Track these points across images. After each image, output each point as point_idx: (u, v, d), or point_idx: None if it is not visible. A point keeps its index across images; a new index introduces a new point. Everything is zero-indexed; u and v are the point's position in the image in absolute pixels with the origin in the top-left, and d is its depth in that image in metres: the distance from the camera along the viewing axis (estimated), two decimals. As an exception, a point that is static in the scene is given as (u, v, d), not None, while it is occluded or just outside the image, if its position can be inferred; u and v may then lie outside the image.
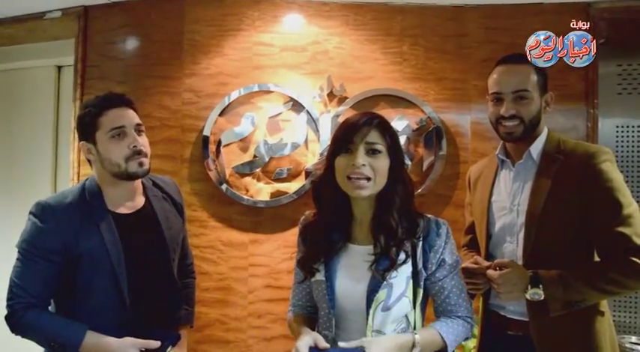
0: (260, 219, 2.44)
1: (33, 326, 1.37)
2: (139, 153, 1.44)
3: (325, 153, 1.41)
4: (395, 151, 1.27)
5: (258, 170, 2.42)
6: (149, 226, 1.51)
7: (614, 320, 1.56)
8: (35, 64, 2.84)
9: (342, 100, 2.43)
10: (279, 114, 2.43)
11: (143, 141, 1.48)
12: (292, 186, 2.41)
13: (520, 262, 1.47)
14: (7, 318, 1.38)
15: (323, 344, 1.18)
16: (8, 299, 1.38)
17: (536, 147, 1.52)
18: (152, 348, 1.36)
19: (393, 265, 1.22)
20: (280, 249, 2.42)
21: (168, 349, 1.40)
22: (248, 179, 2.43)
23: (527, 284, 1.38)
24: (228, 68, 2.46)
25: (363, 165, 1.22)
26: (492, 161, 1.67)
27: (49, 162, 2.79)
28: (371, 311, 1.21)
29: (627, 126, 2.46)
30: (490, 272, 1.45)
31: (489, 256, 1.58)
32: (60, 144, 2.80)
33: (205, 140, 2.41)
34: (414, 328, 1.25)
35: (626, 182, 1.46)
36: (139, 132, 1.47)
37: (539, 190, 1.46)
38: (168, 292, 1.53)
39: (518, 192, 1.53)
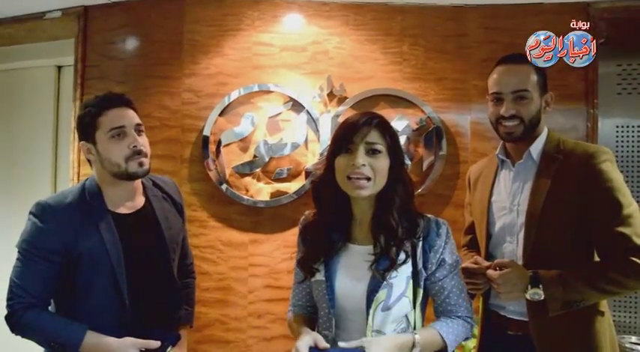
0: (260, 218, 2.44)
1: (33, 326, 1.37)
2: (138, 153, 1.44)
3: (325, 153, 1.41)
4: (395, 151, 1.27)
5: (258, 170, 2.42)
6: (149, 226, 1.51)
7: (614, 320, 1.56)
8: (35, 64, 2.84)
9: (342, 100, 2.43)
10: (279, 114, 2.43)
11: (143, 141, 1.47)
12: (292, 186, 2.41)
13: (520, 262, 1.47)
14: (7, 318, 1.38)
15: (323, 344, 1.18)
16: (8, 299, 1.38)
17: (536, 147, 1.52)
18: (152, 348, 1.36)
19: (393, 265, 1.22)
20: (280, 249, 2.42)
21: (168, 349, 1.40)
22: (248, 179, 2.43)
23: (527, 284, 1.38)
24: (228, 68, 2.46)
25: (363, 165, 1.22)
26: (492, 161, 1.67)
27: (49, 162, 2.79)
28: (371, 311, 1.21)
29: (627, 126, 2.46)
30: (490, 272, 1.45)
31: (489, 256, 1.58)
32: (60, 144, 2.80)
33: (205, 140, 2.41)
34: (414, 328, 1.25)
35: (626, 182, 1.46)
36: (138, 132, 1.47)
37: (539, 190, 1.46)
38: (168, 292, 1.53)
39: (518, 192, 1.53)
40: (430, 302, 1.34)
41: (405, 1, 2.44)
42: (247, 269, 2.43)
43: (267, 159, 2.40)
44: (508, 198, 1.55)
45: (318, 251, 1.29)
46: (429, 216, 1.31)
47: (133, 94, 1.71)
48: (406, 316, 1.25)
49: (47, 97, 2.81)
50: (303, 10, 2.47)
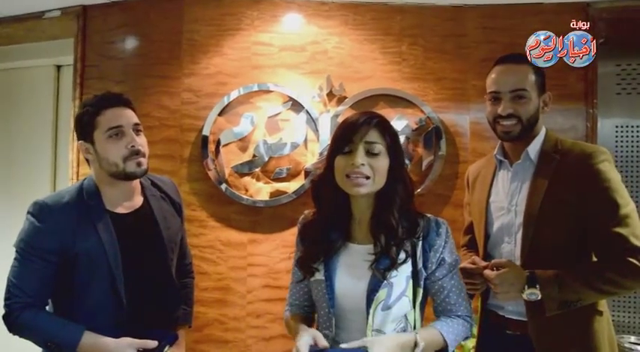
0: (259, 218, 2.44)
1: (30, 326, 1.37)
2: (136, 153, 1.44)
3: (325, 153, 1.41)
4: (395, 151, 1.27)
5: (257, 170, 2.42)
6: (147, 226, 1.51)
7: (613, 320, 1.56)
8: (34, 64, 2.84)
9: (341, 100, 2.43)
10: (279, 113, 2.43)
11: (141, 141, 1.47)
12: (291, 186, 2.41)
13: (518, 262, 1.47)
14: (5, 318, 1.38)
15: (322, 341, 1.18)
16: (6, 299, 1.38)
17: (533, 148, 1.52)
18: (149, 348, 1.36)
19: (394, 264, 1.22)
20: (279, 248, 2.42)
21: (166, 349, 1.40)
22: (247, 179, 2.43)
23: (524, 284, 1.38)
24: (228, 68, 2.46)
25: (362, 164, 1.22)
26: (490, 161, 1.67)
27: (48, 162, 2.79)
28: (371, 311, 1.21)
29: (626, 126, 2.46)
30: (487, 272, 1.45)
31: (488, 256, 1.58)
32: (59, 143, 2.80)
33: (204, 140, 2.41)
34: (414, 328, 1.25)
35: (626, 182, 1.46)
36: (137, 131, 1.47)
37: (536, 190, 1.46)
38: (166, 292, 1.52)
39: (516, 192, 1.53)
40: (429, 301, 1.34)
41: (404, 1, 2.44)
42: (246, 269, 2.43)
43: (266, 159, 2.40)
44: (506, 199, 1.55)
45: (318, 250, 1.29)
46: (429, 215, 1.32)
47: (132, 94, 1.71)
48: (406, 315, 1.25)
49: (46, 97, 2.81)
50: (303, 10, 2.47)
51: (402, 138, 2.32)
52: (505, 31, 2.38)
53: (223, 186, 2.40)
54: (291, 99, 2.42)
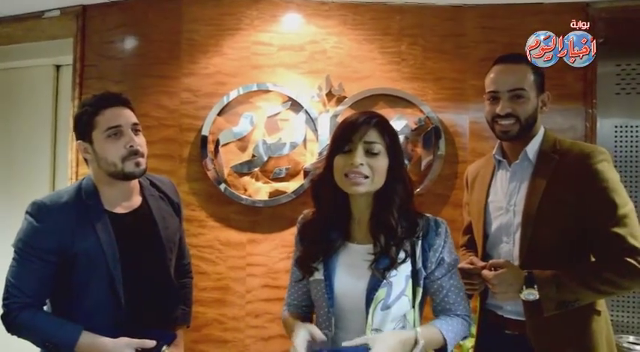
0: (258, 218, 2.44)
1: (28, 326, 1.37)
2: (135, 153, 1.43)
3: (324, 153, 1.41)
4: (394, 151, 1.27)
5: (256, 169, 2.42)
6: (146, 226, 1.51)
7: (611, 320, 1.56)
8: (33, 63, 2.84)
9: (340, 100, 2.43)
10: (278, 113, 2.43)
11: (140, 141, 1.47)
12: (291, 186, 2.41)
13: (516, 262, 1.47)
14: (3, 318, 1.38)
15: (319, 334, 1.19)
16: (4, 299, 1.38)
17: (532, 147, 1.51)
18: (147, 347, 1.36)
19: (393, 264, 1.22)
20: (278, 248, 2.42)
21: (164, 348, 1.40)
22: (246, 178, 2.43)
23: (522, 284, 1.38)
24: (227, 67, 2.46)
25: (361, 164, 1.22)
26: (489, 161, 1.66)
27: (47, 162, 2.79)
28: (370, 310, 1.21)
29: (626, 126, 2.46)
30: (485, 272, 1.45)
31: (486, 256, 1.58)
32: (58, 143, 2.80)
33: (204, 139, 2.41)
34: (413, 327, 1.25)
35: (625, 182, 1.45)
36: (135, 131, 1.47)
37: (535, 190, 1.46)
38: (164, 292, 1.52)
39: (514, 192, 1.53)
40: (428, 301, 1.34)
41: (404, 1, 2.44)
42: (245, 269, 2.43)
43: (265, 159, 2.40)
44: (505, 198, 1.55)
45: (317, 249, 1.29)
46: (428, 215, 1.32)
47: (131, 94, 1.71)
48: (405, 315, 1.25)
49: (45, 96, 2.82)
50: (302, 10, 2.47)
51: (401, 138, 2.31)
52: (504, 31, 2.38)
53: (222, 186, 2.40)
54: (290, 99, 2.42)
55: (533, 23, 2.21)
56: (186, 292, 1.72)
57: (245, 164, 2.41)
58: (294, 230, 1.42)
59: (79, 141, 1.48)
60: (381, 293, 1.21)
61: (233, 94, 2.42)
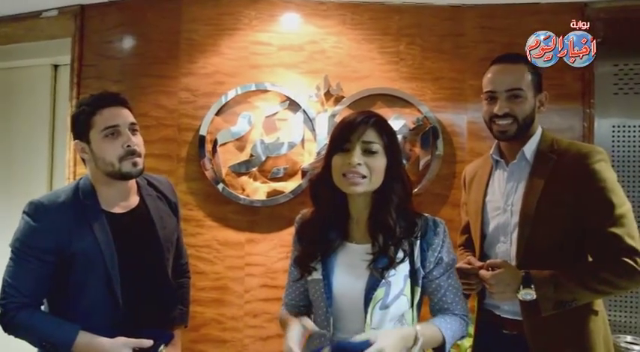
0: (256, 218, 2.44)
1: (25, 325, 1.36)
2: (132, 152, 1.43)
3: (322, 153, 1.41)
4: (392, 150, 1.27)
5: (254, 169, 2.42)
6: (143, 226, 1.51)
7: (609, 320, 1.56)
8: (32, 63, 2.84)
9: (338, 100, 2.43)
10: (276, 113, 2.43)
11: (137, 141, 1.46)
12: (289, 186, 2.41)
13: (513, 262, 1.47)
14: (0, 318, 1.38)
15: (312, 326, 1.20)
16: (1, 299, 1.37)
17: (529, 147, 1.52)
18: (145, 347, 1.36)
19: (392, 263, 1.22)
20: (276, 248, 2.42)
21: (161, 348, 1.40)
22: (244, 178, 2.43)
23: (519, 284, 1.38)
24: (225, 67, 2.46)
25: (359, 164, 1.22)
26: (487, 161, 1.67)
27: (45, 161, 2.79)
28: (369, 310, 1.21)
29: (624, 126, 2.46)
30: (482, 272, 1.45)
31: (484, 256, 1.58)
32: (56, 143, 2.80)
33: (202, 139, 2.41)
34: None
35: (623, 182, 1.46)
36: (133, 131, 1.46)
37: (532, 190, 1.46)
38: (161, 292, 1.52)
39: (512, 192, 1.53)
40: (425, 301, 1.34)
41: (402, 1, 2.44)
42: (244, 269, 2.43)
43: (263, 159, 2.40)
44: (502, 198, 1.55)
45: (315, 249, 1.29)
46: (426, 215, 1.32)
47: (130, 93, 1.71)
48: (403, 315, 1.25)
49: (44, 96, 2.81)
50: (301, 10, 2.47)
51: (399, 138, 2.32)
52: (503, 31, 2.38)
53: (220, 186, 2.40)
54: (288, 98, 2.42)
55: (531, 23, 2.21)
56: (183, 292, 1.72)
57: (243, 164, 2.41)
58: (292, 230, 1.42)
59: (76, 140, 1.48)
60: (379, 292, 1.21)
61: (231, 94, 2.42)
